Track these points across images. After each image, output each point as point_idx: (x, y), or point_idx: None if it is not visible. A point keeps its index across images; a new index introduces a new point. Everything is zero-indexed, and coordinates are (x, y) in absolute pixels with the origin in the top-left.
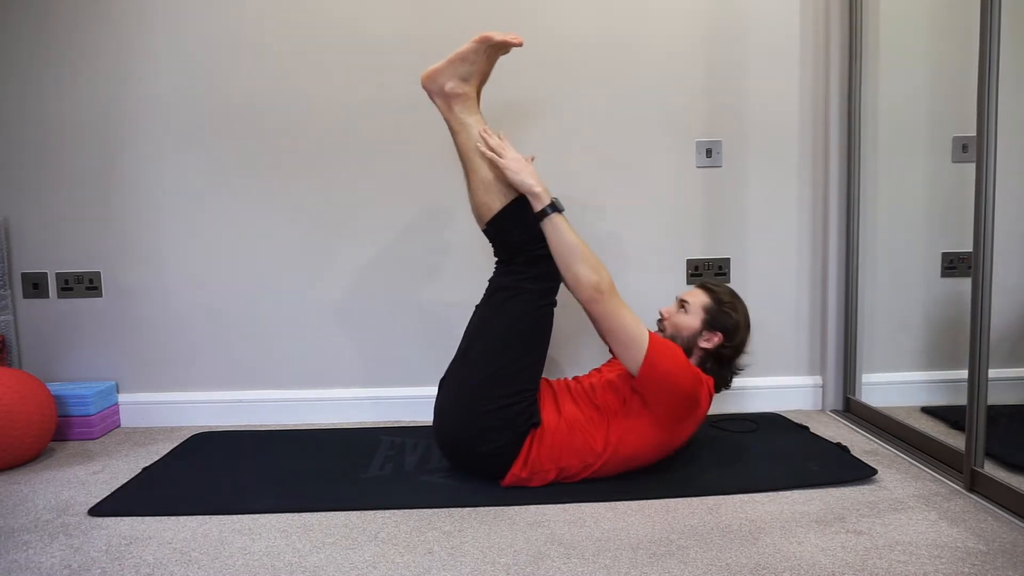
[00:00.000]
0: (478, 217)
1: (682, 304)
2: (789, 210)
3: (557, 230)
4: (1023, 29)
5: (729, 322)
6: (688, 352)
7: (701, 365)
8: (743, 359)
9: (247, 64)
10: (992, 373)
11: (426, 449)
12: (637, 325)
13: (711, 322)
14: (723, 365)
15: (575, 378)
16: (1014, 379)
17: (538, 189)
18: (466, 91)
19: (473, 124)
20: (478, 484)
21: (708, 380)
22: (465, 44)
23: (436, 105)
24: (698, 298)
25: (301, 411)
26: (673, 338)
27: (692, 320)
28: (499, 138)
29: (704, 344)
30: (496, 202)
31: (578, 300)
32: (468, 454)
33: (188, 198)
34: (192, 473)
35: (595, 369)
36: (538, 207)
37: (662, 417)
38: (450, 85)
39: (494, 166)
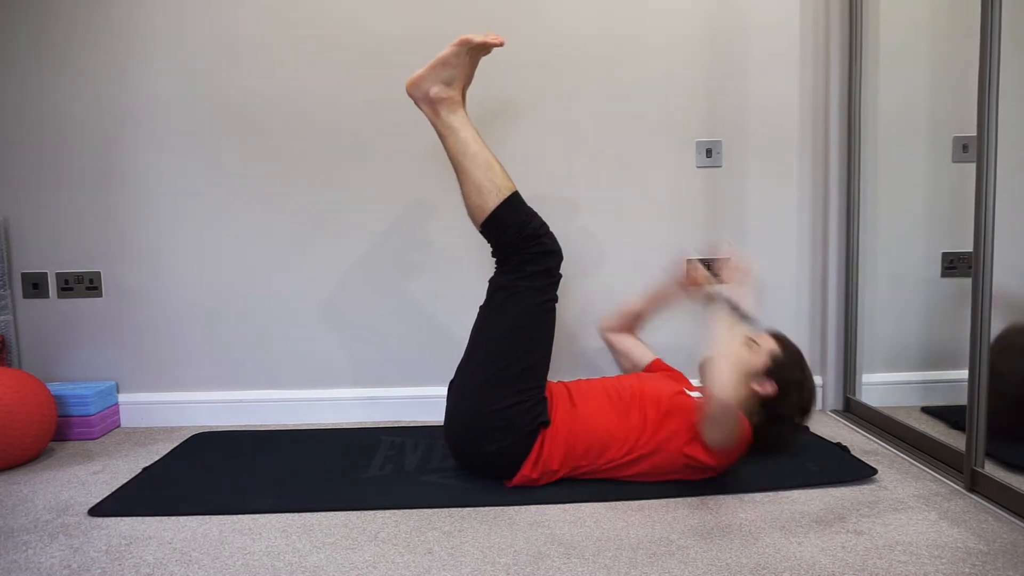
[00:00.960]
0: (472, 218)
1: (750, 341)
2: (789, 210)
3: (729, 333)
4: (1023, 29)
5: (790, 378)
6: None
7: (748, 409)
8: (794, 428)
9: (246, 64)
10: None
11: (426, 449)
12: (741, 417)
13: (773, 371)
14: (769, 420)
15: (602, 378)
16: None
17: (751, 316)
18: (451, 95)
19: (460, 127)
20: (478, 484)
21: (744, 446)
22: (445, 49)
23: (423, 111)
24: (769, 344)
25: (301, 411)
26: None
27: (755, 360)
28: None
29: (756, 388)
30: (488, 203)
31: (704, 400)
32: (474, 455)
33: (188, 198)
34: (192, 473)
35: (635, 374)
36: (743, 314)
37: (692, 469)
38: (434, 90)
39: (485, 168)
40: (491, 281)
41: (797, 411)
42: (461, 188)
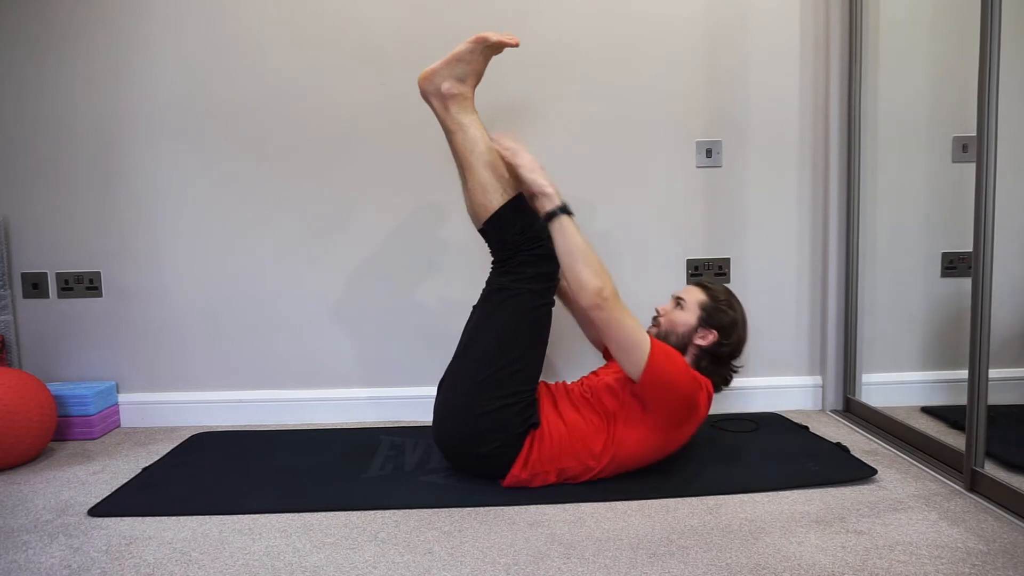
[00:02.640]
0: (474, 217)
1: (678, 301)
2: (789, 210)
3: (564, 232)
4: (1023, 29)
5: (726, 319)
6: (683, 350)
7: (696, 363)
8: (740, 358)
9: (245, 64)
10: (992, 373)
11: (426, 449)
12: (639, 330)
13: (707, 319)
14: (720, 364)
15: (574, 382)
16: (1014, 379)
17: (550, 190)
18: (462, 91)
19: (470, 124)
20: (478, 484)
21: (707, 383)
22: (461, 44)
23: (431, 106)
24: (694, 295)
25: (301, 411)
26: (668, 335)
27: (688, 317)
28: (513, 139)
29: (699, 341)
30: (493, 202)
31: (580, 305)
32: (466, 455)
33: (188, 198)
34: (192, 473)
35: (592, 372)
36: (548, 207)
37: (662, 420)
38: (447, 86)
39: (492, 167)
40: (489, 282)
41: (738, 345)
42: (465, 185)
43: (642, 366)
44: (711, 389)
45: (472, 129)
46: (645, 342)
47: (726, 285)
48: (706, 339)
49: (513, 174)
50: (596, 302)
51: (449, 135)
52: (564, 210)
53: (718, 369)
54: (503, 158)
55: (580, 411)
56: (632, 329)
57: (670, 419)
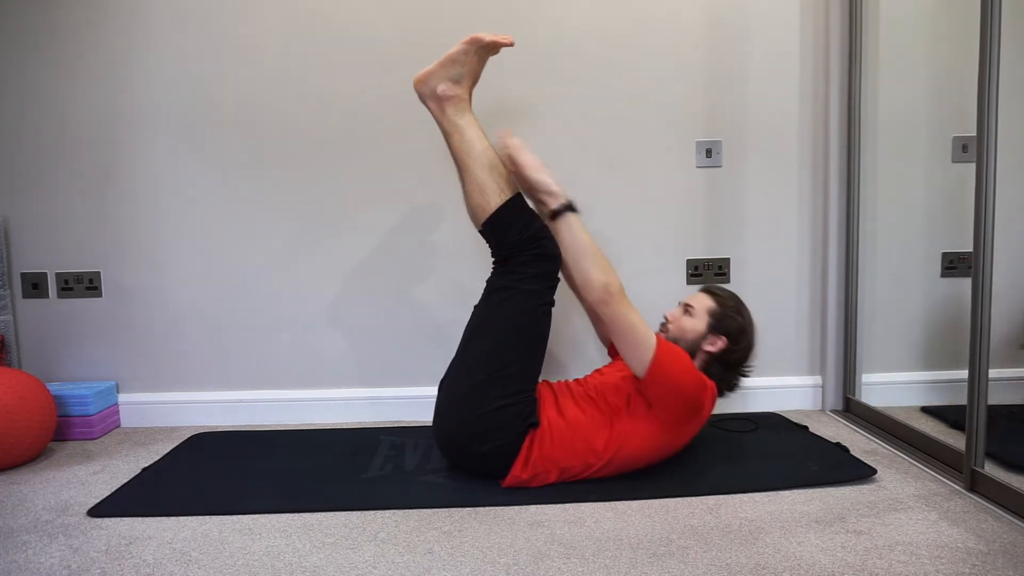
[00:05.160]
0: (473, 218)
1: (687, 308)
2: (789, 210)
3: (572, 230)
4: (1023, 30)
5: (734, 325)
6: (692, 355)
7: (705, 369)
8: (749, 364)
9: (245, 65)
10: (992, 373)
11: (426, 449)
12: (645, 328)
13: (716, 326)
14: (728, 369)
15: (576, 380)
16: (1014, 379)
17: (556, 188)
18: (458, 93)
19: (466, 126)
20: (478, 484)
21: (712, 385)
22: (455, 46)
23: (428, 108)
24: (703, 302)
25: (301, 411)
26: (677, 341)
27: (697, 323)
28: (515, 139)
29: (708, 348)
30: (491, 203)
31: (587, 301)
32: (466, 455)
33: (188, 198)
34: (192, 473)
35: (596, 371)
36: (553, 205)
37: (665, 420)
38: (442, 87)
39: (490, 168)
40: (489, 282)
41: (747, 351)
42: (463, 187)
43: (647, 362)
44: (715, 391)
45: (469, 131)
46: (651, 339)
47: (732, 290)
48: (715, 345)
49: (517, 173)
50: (603, 298)
51: (446, 137)
52: (570, 208)
53: (726, 375)
54: (507, 157)
55: (583, 408)
56: (638, 325)
57: (673, 418)
